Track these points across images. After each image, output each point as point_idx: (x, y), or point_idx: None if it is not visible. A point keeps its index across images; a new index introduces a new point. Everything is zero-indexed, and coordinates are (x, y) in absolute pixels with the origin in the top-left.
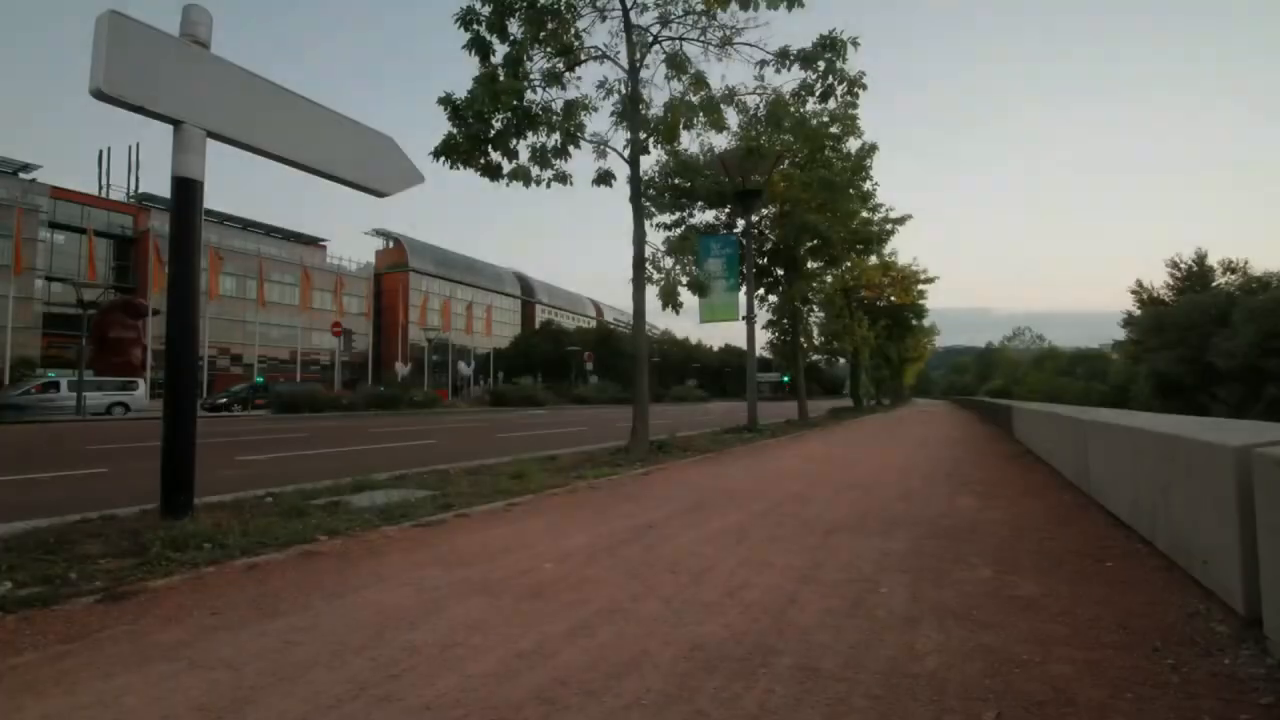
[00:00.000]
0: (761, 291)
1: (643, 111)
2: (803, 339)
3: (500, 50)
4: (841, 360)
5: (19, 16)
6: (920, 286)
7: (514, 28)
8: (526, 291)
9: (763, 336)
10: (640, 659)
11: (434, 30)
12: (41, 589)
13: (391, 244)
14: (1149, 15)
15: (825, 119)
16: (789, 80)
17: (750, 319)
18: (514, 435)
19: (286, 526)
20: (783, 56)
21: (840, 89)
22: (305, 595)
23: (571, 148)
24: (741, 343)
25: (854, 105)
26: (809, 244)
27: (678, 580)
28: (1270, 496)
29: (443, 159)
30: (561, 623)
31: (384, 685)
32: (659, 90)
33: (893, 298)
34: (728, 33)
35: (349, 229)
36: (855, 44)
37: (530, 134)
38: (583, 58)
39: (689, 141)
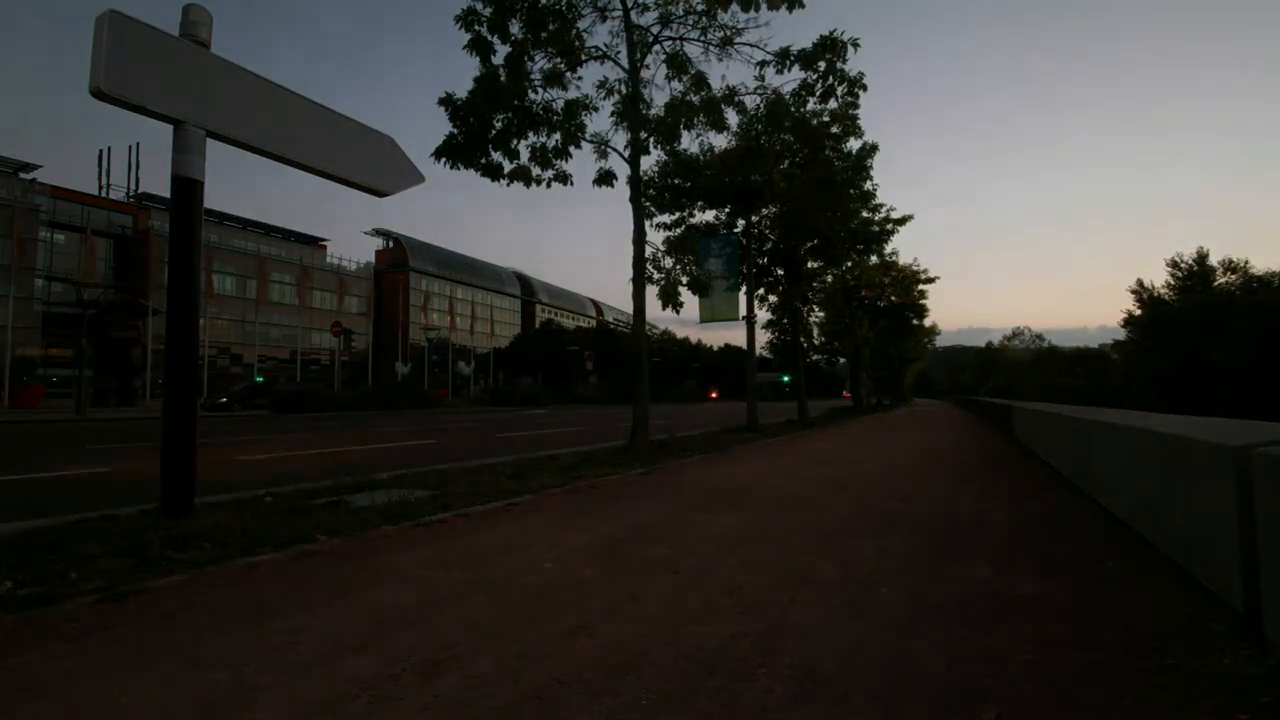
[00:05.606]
0: (761, 291)
1: (643, 111)
2: (803, 339)
3: (501, 51)
4: (841, 360)
5: (19, 16)
6: (920, 286)
7: (515, 28)
8: (526, 291)
9: (763, 337)
10: (640, 659)
11: (435, 30)
12: (41, 589)
13: (391, 244)
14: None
15: (826, 119)
16: (789, 80)
17: (750, 319)
18: (514, 435)
19: (287, 526)
20: (783, 57)
21: (840, 89)
22: (305, 595)
23: (572, 148)
24: (741, 342)
25: (855, 105)
26: (809, 244)
27: (678, 580)
28: (1270, 496)
29: (444, 159)
30: (561, 623)
31: (384, 685)
32: (659, 90)
33: (893, 297)
34: (728, 33)
35: (349, 229)
36: (855, 45)
37: (531, 134)
38: (583, 58)
39: (689, 141)
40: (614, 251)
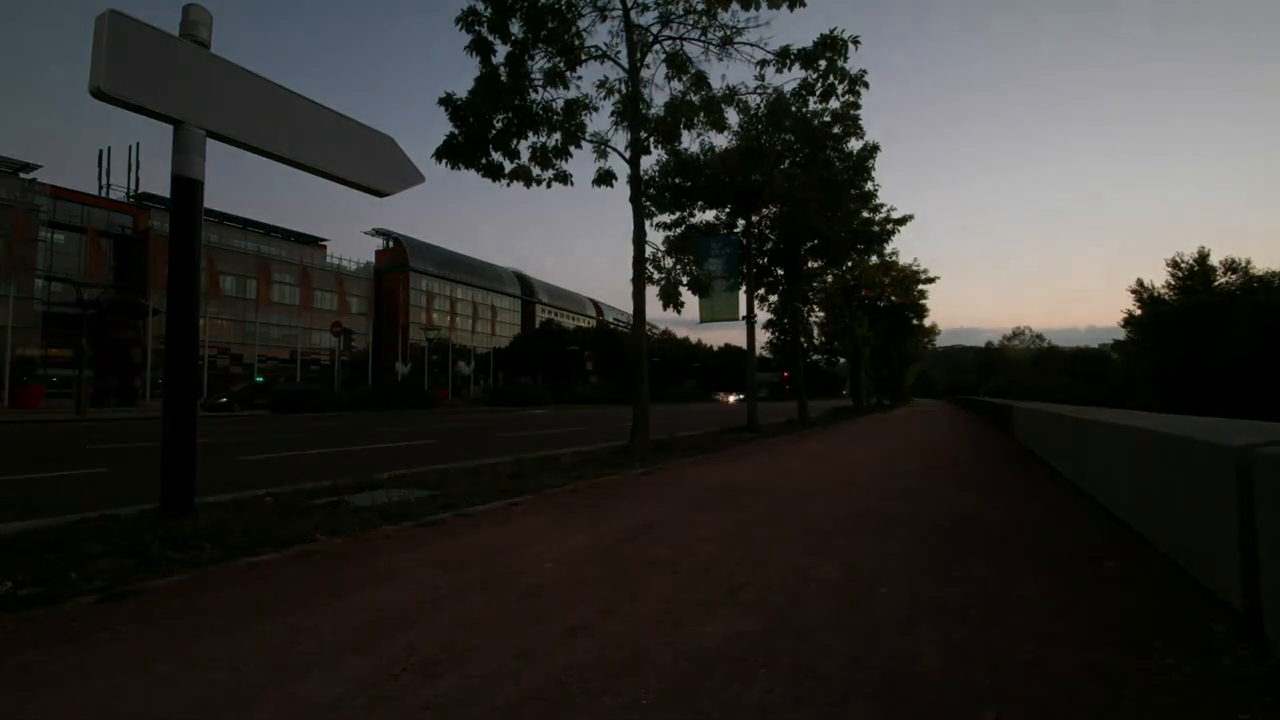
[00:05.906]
0: (761, 291)
1: (643, 111)
2: (803, 339)
3: (501, 51)
4: (842, 360)
5: (19, 16)
6: (920, 286)
7: (515, 28)
8: (526, 291)
9: (763, 336)
10: (640, 659)
11: (435, 30)
12: (41, 589)
13: (391, 244)
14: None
15: (827, 119)
16: (790, 80)
17: (750, 319)
18: (514, 435)
19: (287, 526)
20: (783, 56)
21: (841, 88)
22: (305, 595)
23: (572, 147)
24: (741, 342)
25: (856, 105)
26: (809, 244)
27: (677, 580)
28: (1270, 496)
29: (444, 159)
30: (561, 623)
31: (384, 685)
32: (659, 90)
33: (893, 297)
34: (728, 32)
35: (349, 229)
36: (856, 42)
37: (531, 134)
38: (583, 57)
39: (689, 141)
40: (614, 251)
